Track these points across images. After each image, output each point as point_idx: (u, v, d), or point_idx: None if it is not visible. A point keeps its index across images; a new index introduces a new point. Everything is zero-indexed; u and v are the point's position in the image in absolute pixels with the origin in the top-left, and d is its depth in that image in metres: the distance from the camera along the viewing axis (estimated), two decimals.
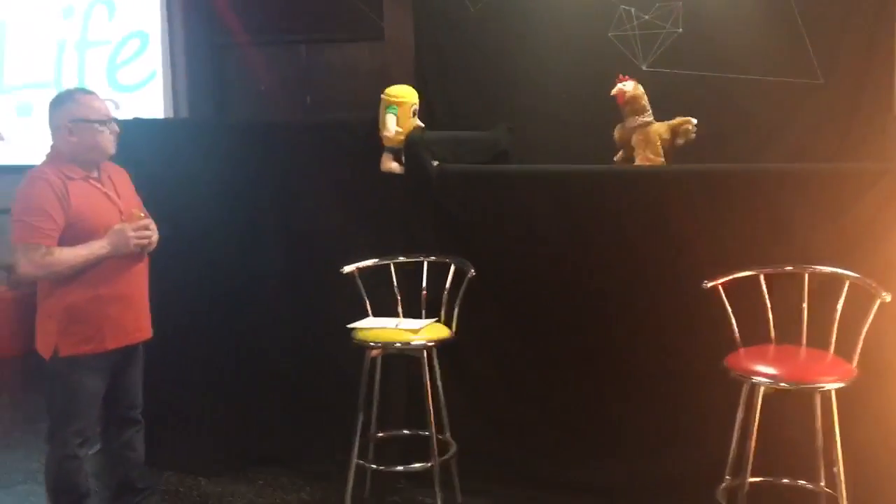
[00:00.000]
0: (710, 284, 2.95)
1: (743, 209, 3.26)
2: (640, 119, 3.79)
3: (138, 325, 3.17)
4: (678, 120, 3.82)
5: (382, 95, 3.75)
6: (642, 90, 3.84)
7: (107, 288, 3.02)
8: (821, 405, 2.84)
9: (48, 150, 3.08)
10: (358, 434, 3.31)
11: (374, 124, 3.71)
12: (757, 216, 3.23)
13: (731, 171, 3.43)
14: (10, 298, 6.17)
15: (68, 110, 3.02)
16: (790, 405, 2.92)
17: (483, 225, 3.65)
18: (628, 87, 3.83)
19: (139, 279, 3.16)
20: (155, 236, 3.13)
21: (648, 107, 3.83)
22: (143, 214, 3.12)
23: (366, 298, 3.39)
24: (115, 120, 3.12)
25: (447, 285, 3.36)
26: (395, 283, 3.44)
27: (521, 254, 3.60)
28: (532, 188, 3.62)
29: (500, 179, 3.73)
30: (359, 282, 3.38)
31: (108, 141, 3.07)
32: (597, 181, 3.57)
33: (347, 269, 3.40)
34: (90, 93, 3.11)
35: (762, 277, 2.98)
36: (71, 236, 2.95)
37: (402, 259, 3.50)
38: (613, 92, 3.85)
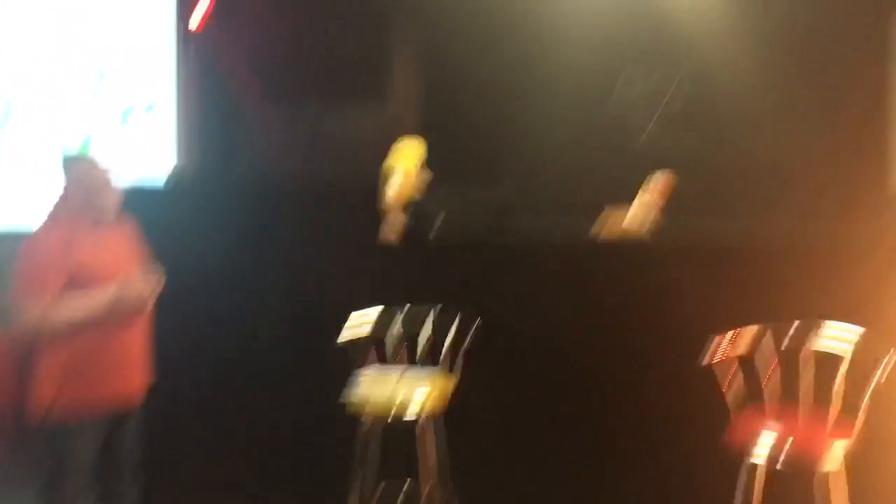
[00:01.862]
0: (708, 356, 2.92)
1: (745, 275, 3.27)
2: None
3: (136, 382, 3.15)
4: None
5: (385, 164, 3.78)
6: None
7: (105, 343, 3.01)
8: (819, 486, 2.79)
9: (54, 207, 3.12)
10: (355, 498, 3.27)
11: (379, 187, 3.74)
12: (759, 283, 3.23)
13: (734, 238, 3.44)
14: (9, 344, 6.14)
15: (73, 174, 3.07)
16: (791, 483, 2.86)
17: (483, 288, 3.64)
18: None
19: (138, 335, 3.15)
20: (155, 291, 3.13)
21: None
22: (145, 269, 3.14)
23: (371, 348, 3.37)
24: (120, 184, 3.16)
25: (450, 336, 3.33)
26: (400, 332, 3.41)
27: (523, 315, 3.59)
28: (529, 253, 3.64)
29: (497, 251, 3.74)
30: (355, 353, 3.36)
31: (110, 203, 3.11)
32: (593, 248, 3.60)
33: (341, 339, 3.36)
34: (92, 158, 3.17)
35: (764, 344, 2.93)
36: (73, 288, 2.95)
37: (408, 307, 3.45)
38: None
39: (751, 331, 2.94)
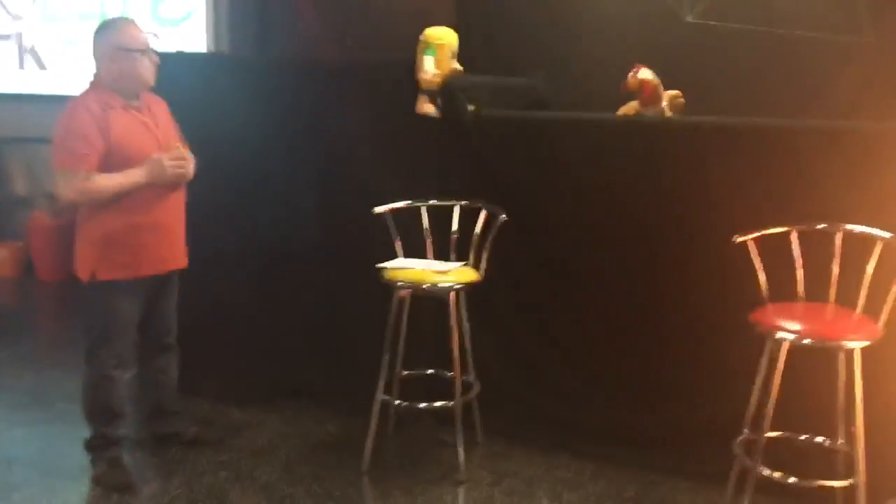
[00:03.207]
0: (740, 239, 2.93)
1: (778, 165, 3.22)
2: (660, 107, 3.73)
3: (173, 253, 3.26)
4: (671, 94, 3.77)
5: (421, 37, 3.73)
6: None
7: (143, 216, 3.10)
8: (844, 364, 2.85)
9: (91, 78, 3.14)
10: (384, 371, 3.38)
11: (412, 66, 3.70)
12: (792, 172, 3.19)
13: (768, 126, 3.39)
14: (52, 225, 6.33)
15: (110, 39, 3.08)
16: (814, 362, 2.92)
17: (516, 170, 3.66)
18: (649, 74, 3.74)
19: (175, 209, 3.23)
20: (191, 167, 3.20)
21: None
22: (180, 145, 3.19)
23: (397, 240, 3.43)
24: (155, 51, 3.16)
25: (478, 230, 3.39)
26: (427, 226, 3.48)
27: (553, 201, 3.61)
28: (566, 136, 3.62)
29: (534, 126, 3.73)
30: (390, 223, 3.42)
31: (147, 70, 3.12)
32: (631, 131, 3.56)
33: (379, 209, 3.43)
34: (130, 22, 3.16)
35: (793, 234, 2.96)
36: (109, 164, 3.02)
37: (433, 202, 3.52)
38: (635, 81, 3.73)
39: (777, 230, 2.95)
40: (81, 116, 3.01)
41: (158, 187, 3.11)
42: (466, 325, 3.43)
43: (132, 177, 3.04)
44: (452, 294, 3.25)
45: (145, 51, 3.11)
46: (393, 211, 3.44)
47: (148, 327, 3.30)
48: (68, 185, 3.01)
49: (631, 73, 3.77)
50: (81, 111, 3.02)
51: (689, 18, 4.81)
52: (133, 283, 3.13)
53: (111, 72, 3.08)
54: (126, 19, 3.19)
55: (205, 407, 3.93)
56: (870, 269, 2.82)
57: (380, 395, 3.40)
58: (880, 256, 2.82)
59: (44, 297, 6.29)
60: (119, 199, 3.04)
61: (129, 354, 3.25)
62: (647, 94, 3.73)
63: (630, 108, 3.86)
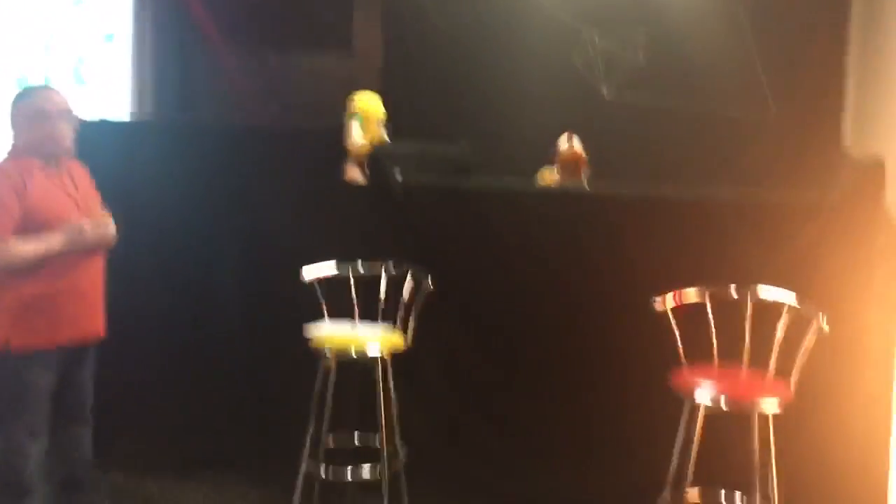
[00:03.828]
0: (658, 305, 3.04)
1: (693, 233, 3.37)
2: (581, 178, 3.90)
3: (92, 322, 3.16)
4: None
5: (349, 104, 3.80)
6: None
7: (62, 282, 3.01)
8: (758, 424, 2.94)
9: (9, 145, 3.08)
10: (308, 439, 3.33)
11: (340, 133, 3.76)
12: (706, 240, 3.35)
13: (683, 198, 3.55)
14: None
15: (27, 104, 3.04)
16: (730, 421, 3.00)
17: (443, 237, 3.71)
18: (579, 145, 3.91)
19: (94, 276, 3.16)
20: (112, 233, 3.14)
21: None
22: (101, 210, 3.13)
23: (323, 305, 3.42)
24: (75, 115, 3.13)
25: (405, 295, 3.40)
26: (354, 291, 3.48)
27: (479, 267, 3.67)
28: (491, 204, 3.71)
29: (460, 195, 3.80)
30: (317, 289, 3.41)
31: (66, 133, 3.08)
32: (554, 200, 3.68)
33: (307, 277, 3.41)
34: (49, 87, 3.13)
35: (707, 300, 3.07)
36: (27, 228, 2.94)
37: (360, 268, 3.53)
38: (572, 153, 3.90)
39: (691, 291, 3.07)
40: None
41: (78, 254, 3.04)
42: (393, 392, 3.41)
43: (50, 242, 2.97)
44: (379, 360, 3.25)
45: (65, 114, 3.07)
46: (320, 277, 3.44)
47: (62, 398, 3.17)
48: None
49: (567, 144, 3.91)
50: None
51: (608, 94, 5.05)
52: (49, 353, 3.02)
53: (29, 137, 3.02)
54: (43, 85, 3.16)
55: (119, 480, 3.77)
56: (779, 332, 2.95)
57: (304, 465, 3.34)
58: (789, 320, 2.95)
59: None
60: (36, 266, 2.96)
61: (42, 427, 3.11)
62: (580, 167, 3.88)
63: (549, 177, 3.99)
